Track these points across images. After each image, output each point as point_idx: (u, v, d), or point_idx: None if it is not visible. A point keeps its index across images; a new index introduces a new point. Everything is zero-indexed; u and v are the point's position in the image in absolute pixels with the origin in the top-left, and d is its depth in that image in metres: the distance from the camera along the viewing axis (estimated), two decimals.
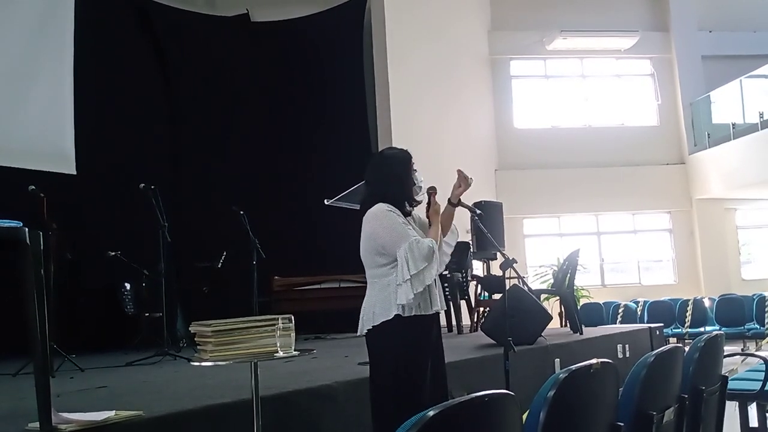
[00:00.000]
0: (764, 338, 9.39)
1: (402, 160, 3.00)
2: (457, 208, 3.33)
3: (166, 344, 5.50)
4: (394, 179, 2.95)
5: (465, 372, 4.30)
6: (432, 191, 3.01)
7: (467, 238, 7.31)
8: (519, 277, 3.59)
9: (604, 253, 12.95)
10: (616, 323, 10.18)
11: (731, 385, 3.09)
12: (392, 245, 2.77)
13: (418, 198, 3.01)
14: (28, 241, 2.24)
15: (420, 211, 3.08)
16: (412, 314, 2.76)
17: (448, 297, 6.88)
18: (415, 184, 2.97)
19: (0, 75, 6.30)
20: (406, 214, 2.94)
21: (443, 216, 3.00)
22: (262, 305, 6.52)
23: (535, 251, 12.52)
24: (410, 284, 2.71)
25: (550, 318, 5.69)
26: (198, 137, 9.15)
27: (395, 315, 2.75)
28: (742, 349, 8.90)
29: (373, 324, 2.80)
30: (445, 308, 3.13)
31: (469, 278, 7.39)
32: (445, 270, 3.32)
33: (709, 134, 12.39)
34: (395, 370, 2.77)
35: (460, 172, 3.02)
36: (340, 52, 9.62)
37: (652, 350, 2.29)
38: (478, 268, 8.05)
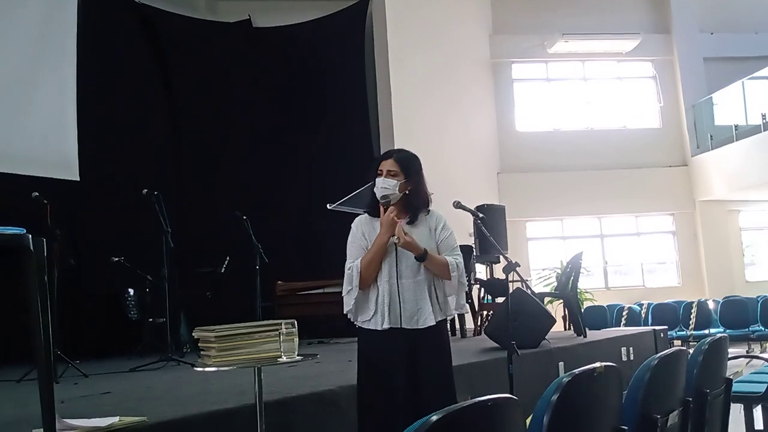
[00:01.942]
0: None
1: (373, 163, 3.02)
2: (459, 212, 3.33)
3: (170, 350, 5.50)
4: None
5: (468, 376, 4.30)
6: (382, 202, 2.83)
7: (470, 241, 7.31)
8: (522, 280, 3.59)
9: (608, 256, 12.92)
10: (620, 326, 10.15)
11: (736, 387, 3.08)
12: None
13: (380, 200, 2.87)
14: (31, 248, 2.24)
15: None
16: (370, 327, 2.82)
17: None
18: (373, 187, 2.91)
19: (3, 82, 6.34)
20: (374, 213, 2.90)
21: (426, 265, 2.82)
22: (265, 310, 6.52)
23: (538, 254, 12.50)
24: (344, 302, 2.85)
25: (554, 321, 5.68)
26: (200, 142, 9.16)
27: (357, 324, 2.88)
28: (747, 352, 8.86)
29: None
30: (429, 323, 2.87)
31: (472, 282, 7.38)
32: None
33: (711, 136, 12.37)
34: (361, 371, 2.87)
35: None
36: (342, 57, 9.64)
37: (657, 353, 2.29)
38: (481, 271, 8.04)
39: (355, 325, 2.90)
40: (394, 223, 2.78)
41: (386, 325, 2.77)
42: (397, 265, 2.81)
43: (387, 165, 2.89)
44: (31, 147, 6.53)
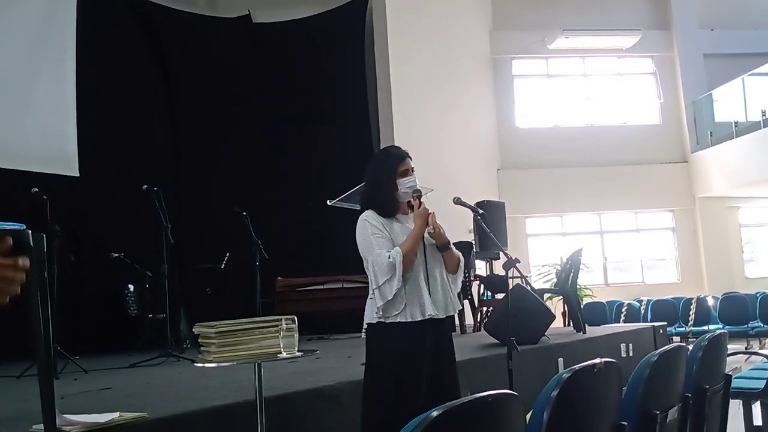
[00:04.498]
0: None
1: (381, 163, 2.97)
2: (459, 208, 3.33)
3: (170, 345, 5.51)
4: (374, 183, 2.96)
5: (468, 372, 4.30)
6: (416, 194, 2.87)
7: (470, 238, 7.31)
8: (522, 276, 3.58)
9: (607, 252, 12.93)
10: (619, 322, 10.15)
11: (735, 383, 3.08)
12: (365, 256, 2.86)
13: (401, 198, 2.89)
14: (31, 244, 2.24)
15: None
16: (397, 321, 2.77)
17: None
18: (397, 189, 2.87)
19: (2, 78, 6.33)
20: (389, 214, 2.88)
21: (446, 257, 2.90)
22: (265, 306, 6.52)
23: (538, 251, 12.50)
24: (378, 294, 2.78)
25: (553, 317, 5.69)
26: (200, 138, 9.15)
27: (378, 321, 2.80)
28: (746, 348, 8.87)
29: (364, 326, 2.88)
30: (452, 313, 2.97)
31: (472, 278, 7.39)
32: None
33: (711, 132, 12.37)
34: (380, 373, 2.80)
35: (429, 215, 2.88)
36: (342, 53, 9.63)
37: (656, 349, 2.29)
38: (481, 267, 8.05)
39: (370, 324, 2.82)
40: (427, 215, 2.82)
41: (424, 314, 2.76)
42: (425, 256, 2.84)
43: (411, 163, 2.93)
44: (30, 143, 6.52)
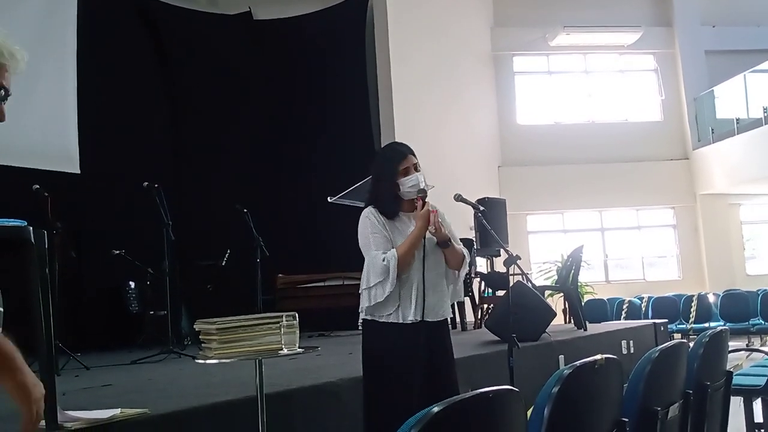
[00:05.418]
0: None
1: (383, 160, 2.92)
2: (460, 205, 3.33)
3: (171, 342, 5.51)
4: (375, 180, 2.93)
5: (469, 369, 4.30)
6: (420, 194, 2.80)
7: (471, 235, 7.31)
8: (523, 273, 3.58)
9: (608, 249, 12.92)
10: (620, 319, 10.14)
11: (736, 380, 3.08)
12: (363, 253, 2.83)
13: (405, 197, 2.85)
14: (32, 240, 2.24)
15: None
16: (389, 321, 2.75)
17: None
18: (399, 189, 2.82)
19: None
20: (392, 214, 2.85)
21: (448, 253, 2.85)
22: (266, 303, 6.52)
23: (539, 248, 12.50)
24: (366, 294, 2.76)
25: (554, 314, 5.69)
26: (201, 135, 9.15)
27: (371, 318, 2.79)
28: (747, 345, 8.88)
29: (359, 321, 2.86)
30: (446, 317, 2.93)
31: (472, 275, 7.38)
32: None
33: (713, 129, 12.36)
34: (372, 369, 2.81)
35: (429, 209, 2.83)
36: (343, 50, 9.61)
37: (657, 346, 2.29)
38: (481, 264, 8.04)
39: (364, 320, 2.81)
40: (429, 216, 2.77)
41: (416, 317, 2.71)
42: (424, 258, 2.76)
43: (414, 160, 2.86)
44: (31, 140, 6.52)
